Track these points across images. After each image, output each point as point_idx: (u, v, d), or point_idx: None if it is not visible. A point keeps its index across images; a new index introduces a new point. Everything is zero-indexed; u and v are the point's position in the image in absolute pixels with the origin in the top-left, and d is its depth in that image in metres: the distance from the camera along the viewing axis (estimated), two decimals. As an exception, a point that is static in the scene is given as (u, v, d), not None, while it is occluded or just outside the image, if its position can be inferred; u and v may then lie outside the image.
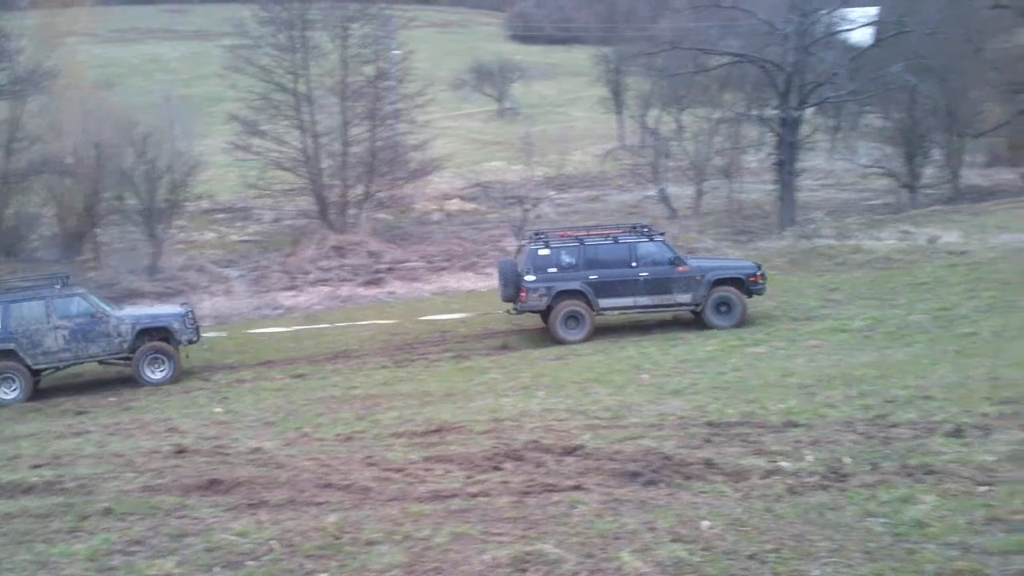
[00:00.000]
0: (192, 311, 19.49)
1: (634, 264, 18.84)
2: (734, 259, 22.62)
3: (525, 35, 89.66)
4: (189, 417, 13.82)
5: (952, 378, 10.93)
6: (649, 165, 34.39)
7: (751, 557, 5.86)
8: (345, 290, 27.15)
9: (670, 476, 7.64)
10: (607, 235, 19.43)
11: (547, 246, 19.06)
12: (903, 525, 6.10)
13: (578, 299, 18.75)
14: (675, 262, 18.84)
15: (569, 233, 19.96)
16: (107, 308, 18.64)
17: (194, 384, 17.79)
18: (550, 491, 7.43)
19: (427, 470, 8.63)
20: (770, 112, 34.00)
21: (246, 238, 35.54)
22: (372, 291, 27.12)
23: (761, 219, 33.96)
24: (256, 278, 28.99)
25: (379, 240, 33.42)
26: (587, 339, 18.49)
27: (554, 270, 18.88)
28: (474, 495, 7.48)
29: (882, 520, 6.24)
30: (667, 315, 19.73)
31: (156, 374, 18.15)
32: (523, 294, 18.82)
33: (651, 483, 7.51)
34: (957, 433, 8.24)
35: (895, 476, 7.15)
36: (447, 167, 41.67)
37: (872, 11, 43.87)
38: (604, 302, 18.83)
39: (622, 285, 18.76)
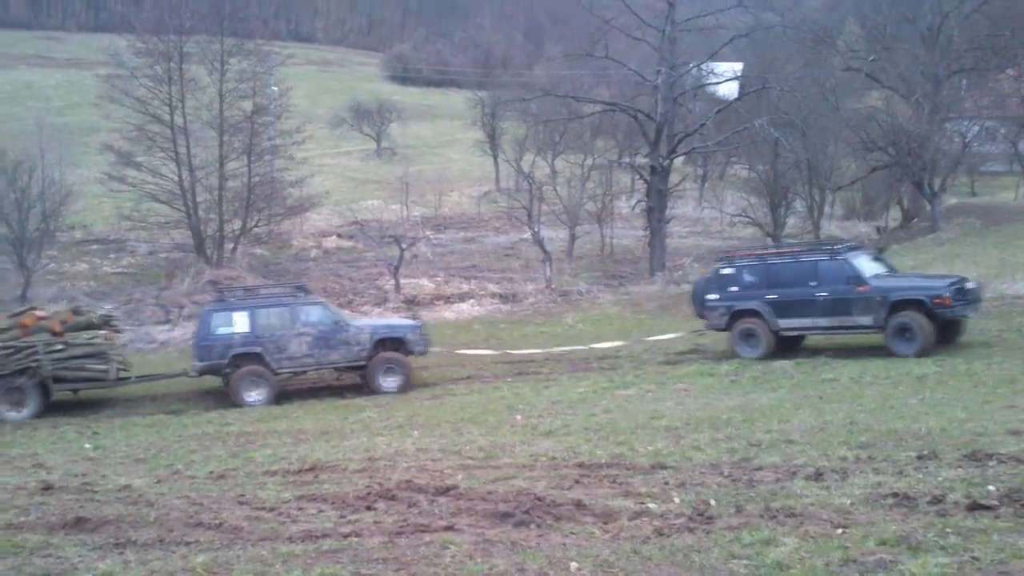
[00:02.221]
0: (424, 324, 19.69)
1: (813, 283, 17.78)
2: (930, 276, 19.75)
3: (403, 76, 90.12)
4: (57, 453, 13.37)
5: (813, 422, 11.30)
6: (524, 208, 34.84)
7: (619, 598, 5.94)
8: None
9: (541, 517, 7.68)
10: (790, 253, 18.88)
11: (730, 265, 18.95)
12: (765, 567, 6.22)
13: (756, 318, 18.32)
14: (855, 281, 17.38)
15: (756, 252, 19.81)
16: (346, 317, 19.02)
17: (63, 419, 17.16)
18: (422, 531, 7.39)
19: (300, 509, 8.51)
20: (641, 160, 34.94)
21: (120, 270, 34.51)
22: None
23: (632, 264, 34.70)
24: (129, 311, 28.21)
25: (255, 276, 32.90)
26: (764, 357, 17.90)
27: (735, 289, 18.66)
28: (346, 535, 7.39)
29: (745, 562, 6.35)
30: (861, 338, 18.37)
31: (390, 383, 18.31)
32: (706, 313, 19.00)
33: (522, 524, 7.53)
34: (817, 476, 8.51)
35: (759, 518, 7.32)
36: (324, 204, 41.43)
37: (738, 66, 45.66)
38: (783, 322, 18.11)
39: (800, 305, 17.86)
